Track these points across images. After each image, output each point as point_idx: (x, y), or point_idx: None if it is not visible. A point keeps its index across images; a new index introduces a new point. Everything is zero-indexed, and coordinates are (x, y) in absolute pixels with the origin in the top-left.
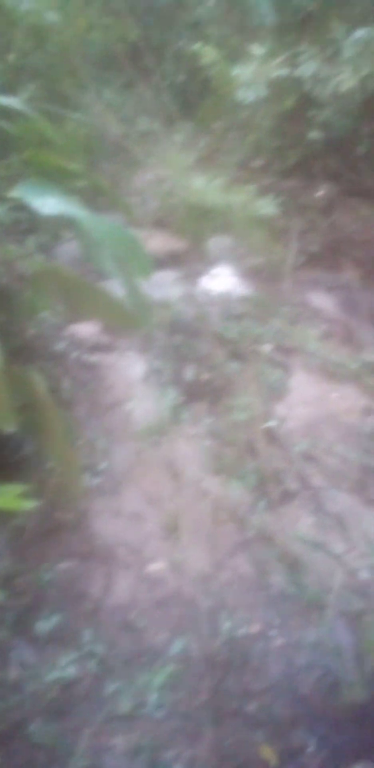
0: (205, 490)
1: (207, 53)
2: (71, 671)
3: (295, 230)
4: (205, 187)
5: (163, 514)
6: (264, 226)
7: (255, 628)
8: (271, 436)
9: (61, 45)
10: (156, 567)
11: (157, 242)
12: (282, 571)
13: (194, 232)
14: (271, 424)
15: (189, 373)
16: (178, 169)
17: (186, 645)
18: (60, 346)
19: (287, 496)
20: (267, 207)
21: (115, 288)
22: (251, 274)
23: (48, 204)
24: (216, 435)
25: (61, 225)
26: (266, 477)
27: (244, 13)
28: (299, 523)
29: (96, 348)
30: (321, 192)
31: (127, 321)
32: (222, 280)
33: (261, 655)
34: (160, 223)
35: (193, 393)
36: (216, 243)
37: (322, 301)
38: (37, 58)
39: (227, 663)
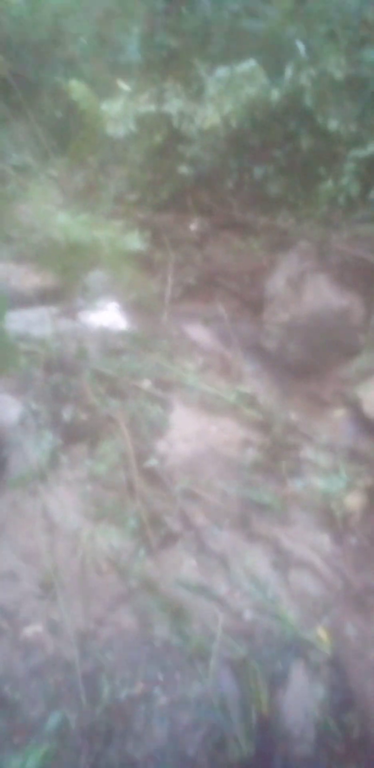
0: (85, 540)
1: (77, 88)
2: None
3: (170, 264)
4: (69, 223)
5: (40, 570)
6: (134, 261)
7: (137, 688)
8: (152, 476)
9: None
10: (32, 630)
11: (34, 278)
12: (166, 621)
13: (63, 268)
14: (152, 463)
15: (67, 413)
16: (47, 204)
17: (63, 717)
18: None
19: (169, 539)
20: (134, 242)
21: None
22: (128, 308)
23: None
24: (97, 478)
25: None
26: (147, 520)
27: (115, 51)
28: (182, 567)
29: None
30: (193, 225)
31: None
32: (99, 316)
33: (145, 718)
34: (37, 260)
35: (72, 435)
36: (92, 279)
37: (199, 333)
38: None
39: (108, 732)
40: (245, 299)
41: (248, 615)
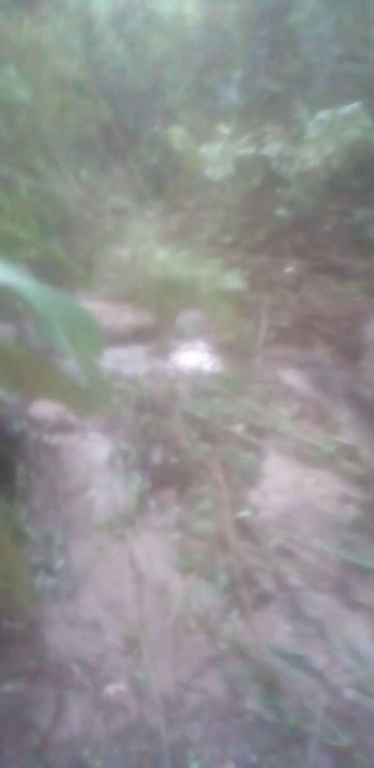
0: (172, 593)
1: (177, 133)
2: None
3: (265, 306)
4: (169, 260)
5: (124, 623)
6: (232, 300)
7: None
8: (244, 528)
9: (33, 122)
10: (114, 689)
11: (128, 317)
12: (258, 693)
13: (159, 306)
14: (244, 514)
15: (156, 456)
16: (145, 244)
17: None
18: (17, 427)
19: (262, 600)
20: (233, 281)
21: (73, 366)
22: (221, 350)
23: None
24: (185, 526)
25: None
26: (238, 577)
27: (213, 98)
28: (276, 632)
29: (58, 429)
30: (289, 268)
31: (82, 401)
32: (191, 356)
33: None
34: (133, 299)
35: (161, 478)
36: (186, 318)
37: (294, 378)
38: (6, 133)
39: None
40: (341, 345)
41: (349, 694)
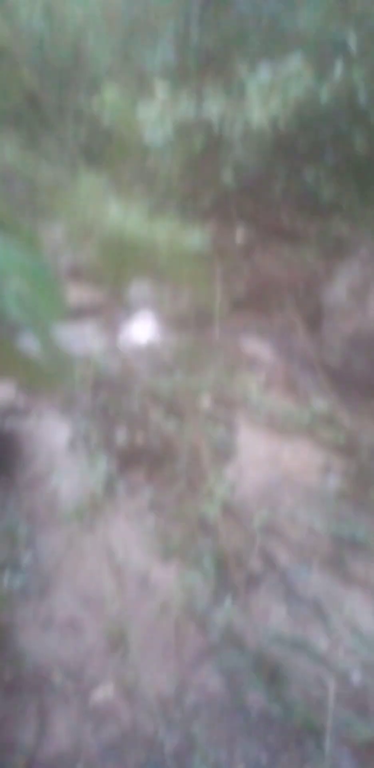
0: (154, 582)
1: (108, 96)
2: None
3: (217, 274)
4: (124, 218)
5: (105, 619)
6: (193, 264)
7: None
8: (224, 506)
9: None
10: (102, 695)
11: (74, 293)
12: (260, 685)
13: (113, 274)
14: (222, 491)
15: (120, 436)
16: (94, 204)
17: None
18: None
19: (252, 582)
20: (195, 240)
21: (28, 339)
22: (176, 321)
23: None
24: (160, 509)
25: None
26: (225, 559)
27: (145, 60)
28: (270, 616)
29: (10, 413)
30: (239, 235)
31: (41, 379)
32: (145, 330)
33: None
34: (76, 274)
35: (128, 459)
36: (137, 290)
37: (256, 347)
38: None
39: None
40: (300, 311)
41: (357, 677)
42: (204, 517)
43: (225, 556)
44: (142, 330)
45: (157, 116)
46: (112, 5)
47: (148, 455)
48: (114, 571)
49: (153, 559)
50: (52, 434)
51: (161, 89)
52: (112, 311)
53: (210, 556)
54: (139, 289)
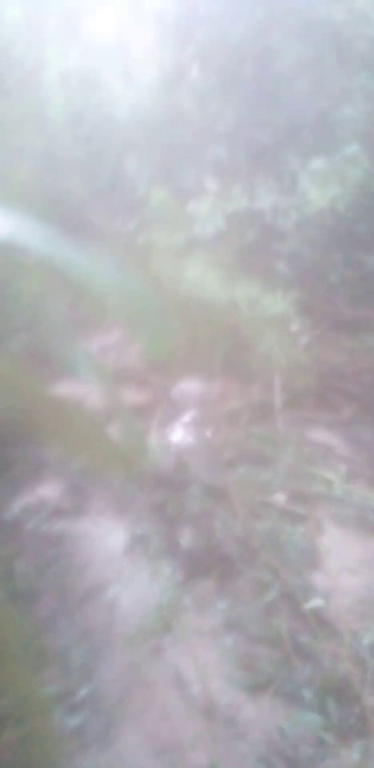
0: (244, 722)
1: (157, 196)
2: None
3: (275, 367)
4: (202, 278)
5: None
6: (278, 329)
7: None
8: (319, 622)
9: None
10: None
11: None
12: None
13: (191, 339)
14: (316, 603)
15: (185, 539)
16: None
17: None
18: (11, 512)
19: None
20: (277, 305)
21: None
22: (229, 417)
23: None
24: (239, 627)
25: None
26: (332, 690)
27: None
28: None
29: (59, 513)
30: (294, 326)
31: (118, 459)
32: (197, 426)
33: None
34: (123, 375)
35: (195, 566)
36: (185, 386)
37: (326, 439)
38: None
39: None
40: (366, 402)
41: None
42: (296, 637)
43: (332, 686)
44: (193, 426)
45: (207, 209)
46: (152, 125)
47: (217, 561)
48: (190, 708)
49: (239, 693)
50: (106, 538)
51: (212, 184)
52: (160, 408)
53: (310, 687)
54: (187, 385)
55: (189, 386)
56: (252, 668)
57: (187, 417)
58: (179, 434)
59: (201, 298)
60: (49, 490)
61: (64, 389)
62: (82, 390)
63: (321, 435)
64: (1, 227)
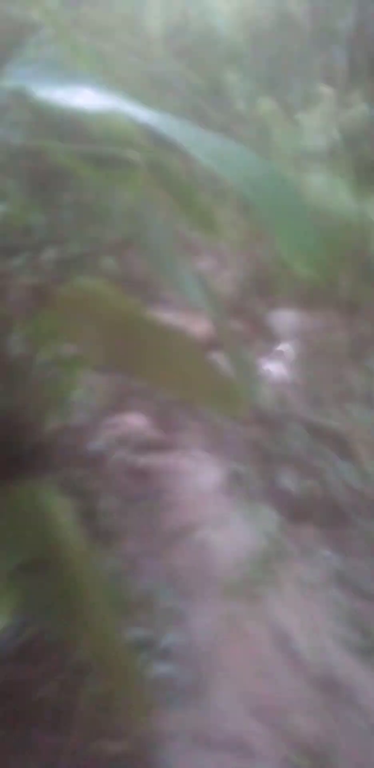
0: (354, 688)
1: (264, 106)
2: None
3: None
4: (330, 188)
5: (289, 740)
6: None
7: None
8: None
9: None
10: None
11: (209, 326)
12: None
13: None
14: None
15: (288, 480)
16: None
17: None
18: (96, 443)
19: None
20: None
21: None
22: (335, 353)
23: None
24: (351, 582)
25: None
26: None
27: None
28: None
29: (148, 446)
30: None
31: (224, 394)
32: (296, 361)
33: None
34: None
35: (298, 513)
36: (284, 319)
37: None
38: None
39: None
40: None
41: None
42: None
43: None
44: (295, 359)
45: (320, 118)
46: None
47: (326, 509)
48: (293, 666)
49: (348, 654)
50: (198, 474)
51: (326, 91)
52: (258, 339)
53: None
54: (289, 314)
55: (291, 316)
56: (365, 630)
57: (287, 349)
58: (278, 367)
59: (327, 210)
60: (137, 421)
61: (163, 316)
62: (183, 318)
63: None
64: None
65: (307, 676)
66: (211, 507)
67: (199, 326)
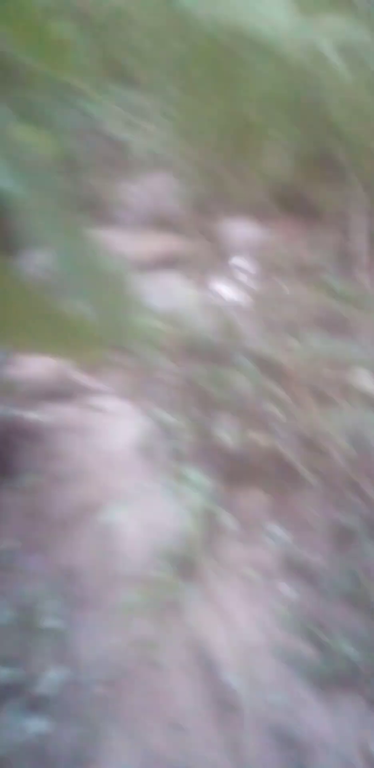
0: (313, 738)
1: None
2: None
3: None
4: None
5: None
6: None
7: None
8: None
9: None
10: None
11: (156, 244)
12: None
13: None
14: None
15: (227, 432)
16: None
17: None
18: None
19: None
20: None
21: None
22: (294, 270)
23: None
24: (302, 571)
25: None
26: None
27: None
28: None
29: (54, 396)
30: None
31: (81, 341)
32: (247, 281)
33: None
34: (161, 223)
35: (240, 474)
36: (234, 232)
37: None
38: None
39: None
40: None
41: None
42: None
43: None
44: (246, 279)
45: None
46: None
47: (272, 468)
48: (224, 718)
49: (301, 685)
50: (112, 430)
51: None
52: (205, 259)
53: None
54: (239, 226)
55: (242, 228)
56: (324, 645)
57: (240, 265)
58: (226, 289)
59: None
60: (45, 364)
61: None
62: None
63: None
64: None
65: (245, 731)
66: (123, 476)
67: (152, 243)
